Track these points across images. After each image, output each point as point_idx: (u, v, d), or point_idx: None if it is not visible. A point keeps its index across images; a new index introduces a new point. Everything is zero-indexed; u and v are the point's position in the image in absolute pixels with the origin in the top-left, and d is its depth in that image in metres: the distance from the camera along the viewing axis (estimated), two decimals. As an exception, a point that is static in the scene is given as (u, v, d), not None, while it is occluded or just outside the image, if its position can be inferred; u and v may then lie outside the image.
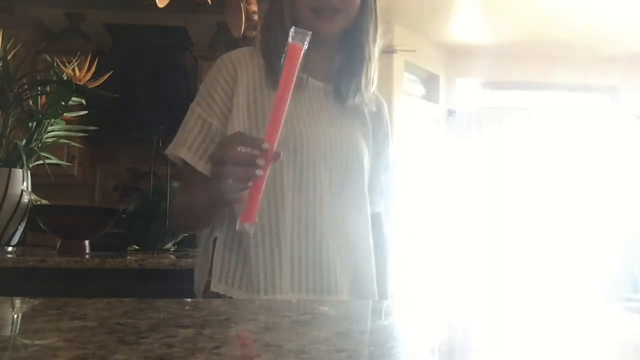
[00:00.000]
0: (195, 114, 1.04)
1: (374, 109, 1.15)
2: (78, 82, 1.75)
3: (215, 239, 1.05)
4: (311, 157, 1.03)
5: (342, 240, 1.05)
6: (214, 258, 1.02)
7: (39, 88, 1.81)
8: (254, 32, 2.57)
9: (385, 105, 1.22)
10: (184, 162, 1.03)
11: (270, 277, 0.98)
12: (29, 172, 1.75)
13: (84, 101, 1.84)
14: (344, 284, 1.03)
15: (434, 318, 0.57)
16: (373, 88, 1.12)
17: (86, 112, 1.88)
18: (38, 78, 2.14)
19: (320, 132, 1.05)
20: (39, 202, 1.80)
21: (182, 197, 1.10)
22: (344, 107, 1.10)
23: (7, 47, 1.76)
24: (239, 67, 1.05)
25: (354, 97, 1.08)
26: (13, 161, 1.70)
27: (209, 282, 1.02)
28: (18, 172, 1.70)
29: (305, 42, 0.76)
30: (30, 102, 1.77)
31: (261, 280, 0.97)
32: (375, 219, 1.15)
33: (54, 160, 1.82)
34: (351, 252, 1.06)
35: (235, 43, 2.59)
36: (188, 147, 1.02)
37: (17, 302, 0.56)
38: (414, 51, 4.22)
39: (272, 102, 0.94)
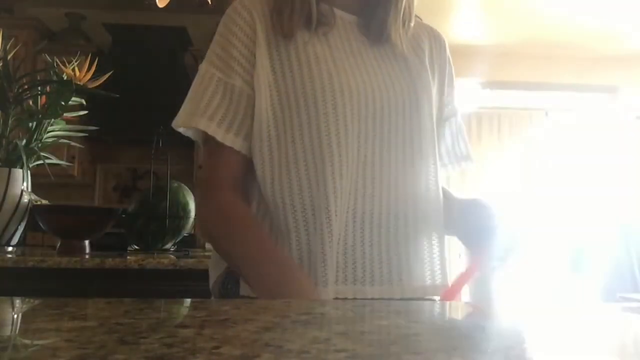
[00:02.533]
0: (214, 77, 0.87)
1: (426, 44, 0.97)
2: (78, 82, 1.75)
3: None
4: (360, 112, 0.83)
5: (406, 221, 0.86)
6: None
7: (39, 88, 1.81)
8: None
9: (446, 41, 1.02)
10: (205, 135, 0.85)
11: (315, 269, 0.79)
12: (29, 172, 1.75)
13: (84, 101, 1.84)
14: (402, 272, 0.85)
15: (435, 318, 0.57)
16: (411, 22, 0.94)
17: (86, 112, 1.88)
18: (38, 78, 2.14)
19: (366, 78, 0.86)
20: (39, 202, 1.80)
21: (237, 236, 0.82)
22: (385, 44, 0.91)
23: (7, 47, 1.76)
24: (256, 11, 0.88)
25: (390, 30, 0.90)
26: (13, 161, 1.70)
27: (224, 280, 0.87)
28: (18, 172, 1.70)
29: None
30: (30, 102, 1.77)
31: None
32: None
33: (54, 160, 1.82)
34: (416, 235, 0.87)
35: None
36: (210, 116, 0.83)
37: (17, 302, 0.56)
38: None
39: (295, 51, 0.84)
